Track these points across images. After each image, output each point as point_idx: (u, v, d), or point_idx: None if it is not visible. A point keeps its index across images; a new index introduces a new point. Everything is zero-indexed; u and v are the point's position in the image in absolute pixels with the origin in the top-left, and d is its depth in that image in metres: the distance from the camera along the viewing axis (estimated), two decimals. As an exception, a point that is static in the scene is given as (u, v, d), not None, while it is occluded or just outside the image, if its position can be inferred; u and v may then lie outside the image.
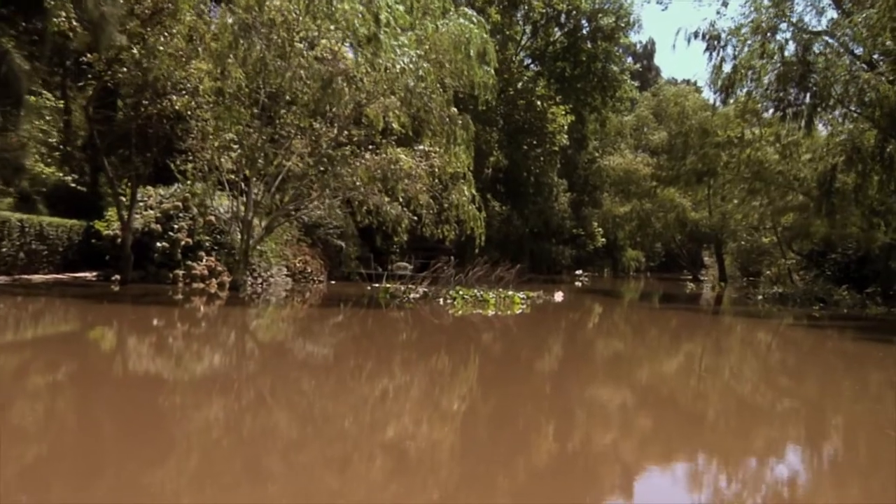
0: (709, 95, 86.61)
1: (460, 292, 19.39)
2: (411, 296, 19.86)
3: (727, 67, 22.28)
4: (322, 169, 18.85)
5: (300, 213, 21.85)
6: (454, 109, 18.63)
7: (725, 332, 17.24)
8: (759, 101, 33.14)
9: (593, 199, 55.25)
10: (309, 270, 25.85)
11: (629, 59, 49.41)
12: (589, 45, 41.05)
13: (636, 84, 48.03)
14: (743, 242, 45.41)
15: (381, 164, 18.48)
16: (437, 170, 20.01)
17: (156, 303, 16.63)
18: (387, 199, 19.84)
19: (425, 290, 21.37)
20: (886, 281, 25.60)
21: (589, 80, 41.49)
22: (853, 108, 20.61)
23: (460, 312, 18.28)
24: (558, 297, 23.42)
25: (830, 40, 21.17)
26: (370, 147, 20.24)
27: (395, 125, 19.69)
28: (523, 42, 42.75)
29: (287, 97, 18.73)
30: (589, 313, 21.80)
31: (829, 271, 35.61)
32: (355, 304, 19.48)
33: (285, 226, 25.95)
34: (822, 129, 24.57)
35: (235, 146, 18.67)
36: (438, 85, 18.35)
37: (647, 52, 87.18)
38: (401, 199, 20.40)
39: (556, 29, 41.94)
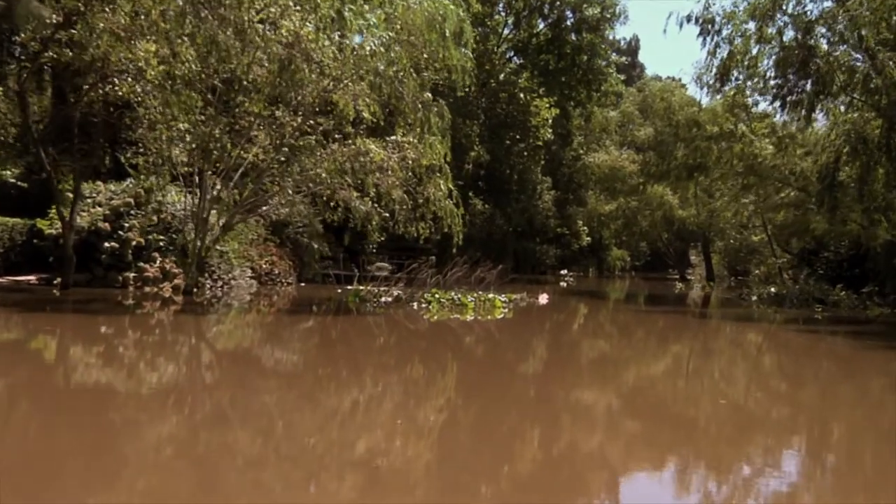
0: (695, 91, 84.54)
1: (436, 296, 17.77)
2: (383, 299, 18.23)
3: (722, 54, 20.82)
4: (283, 160, 17.16)
5: (264, 210, 20.11)
6: (428, 95, 17.03)
7: (730, 342, 15.65)
8: (753, 92, 31.76)
9: (578, 198, 53.78)
10: (276, 272, 24.13)
11: (614, 54, 47.96)
12: (573, 37, 39.61)
13: (622, 77, 46.67)
14: (732, 241, 44.05)
15: (349, 156, 16.79)
16: (410, 162, 18.39)
17: (98, 310, 14.93)
18: (356, 193, 18.18)
19: (399, 292, 19.78)
20: (888, 280, 24.28)
21: (574, 73, 40.04)
22: (857, 97, 19.21)
23: (436, 317, 16.71)
24: (543, 299, 21.88)
25: (824, 30, 19.78)
26: (339, 138, 18.58)
27: (365, 114, 18.06)
28: (505, 34, 41.24)
29: (245, 82, 17.02)
30: (575, 319, 20.29)
31: (821, 270, 34.38)
32: (322, 309, 17.86)
33: (251, 224, 24.24)
34: (820, 121, 23.19)
35: (188, 136, 16.93)
36: (411, 69, 16.77)
37: (632, 48, 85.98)
38: (372, 195, 18.77)
39: (539, 20, 40.44)
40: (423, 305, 17.48)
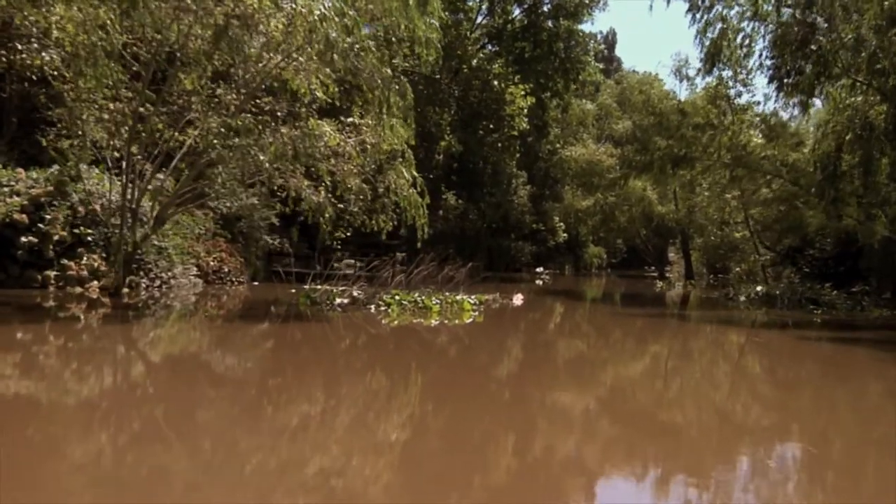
0: (674, 85, 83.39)
1: (396, 297, 15.76)
2: (337, 302, 16.20)
3: (711, 33, 19.04)
4: (222, 144, 15.01)
5: (203, 201, 17.95)
6: (388, 71, 15.01)
7: (739, 358, 13.74)
8: (747, 73, 30.16)
9: (554, 193, 52.20)
10: (226, 270, 21.98)
11: (592, 42, 46.12)
12: (550, 24, 37.74)
13: (600, 66, 45.00)
14: (713, 237, 42.59)
15: (297, 139, 14.67)
16: (369, 147, 16.38)
17: (11, 314, 12.81)
18: (307, 182, 16.11)
19: (359, 293, 17.78)
20: (885, 279, 22.75)
21: (550, 61, 38.17)
22: (861, 79, 17.53)
23: (396, 322, 14.73)
24: (517, 300, 19.98)
25: (826, 5, 18.05)
26: (287, 119, 16.49)
27: (318, 93, 16.01)
28: (479, 21, 39.27)
29: (179, 54, 14.89)
30: (552, 325, 18.40)
31: (806, 268, 33.00)
32: (268, 313, 15.78)
33: (199, 217, 22.08)
34: (815, 107, 21.49)
35: (106, 115, 14.75)
36: (370, 41, 14.77)
37: (609, 42, 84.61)
38: (327, 183, 16.72)
39: (514, 6, 38.49)
40: (382, 308, 15.48)
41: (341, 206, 16.60)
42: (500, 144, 34.35)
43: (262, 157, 13.99)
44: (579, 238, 57.54)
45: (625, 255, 70.96)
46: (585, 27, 43.06)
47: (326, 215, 16.00)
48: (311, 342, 12.18)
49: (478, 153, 35.77)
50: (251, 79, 16.03)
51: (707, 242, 47.08)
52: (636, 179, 27.05)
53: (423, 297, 15.83)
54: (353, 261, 30.96)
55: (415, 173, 16.66)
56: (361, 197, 16.39)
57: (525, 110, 32.33)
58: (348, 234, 32.43)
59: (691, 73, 43.76)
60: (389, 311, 15.24)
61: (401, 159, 16.85)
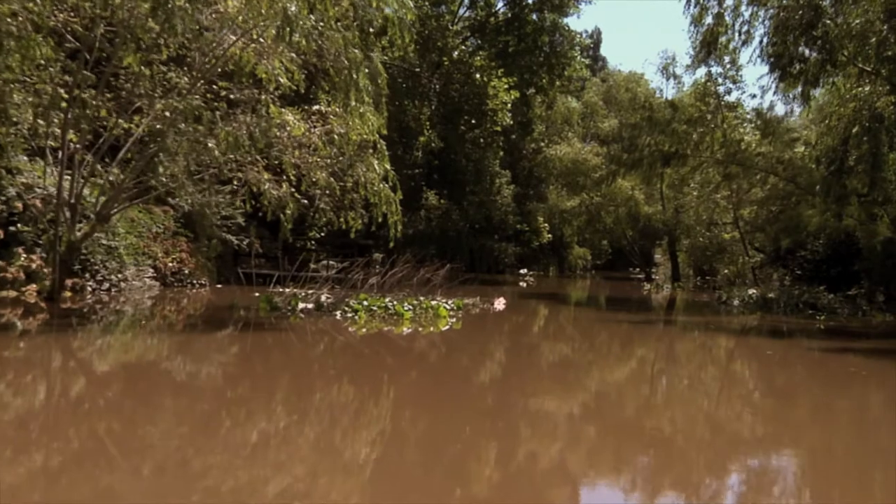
0: (660, 83, 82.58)
1: (365, 303, 14.26)
2: (301, 307, 14.69)
3: (707, 19, 17.72)
4: (170, 132, 13.45)
5: (151, 196, 16.37)
6: (357, 52, 13.54)
7: (753, 378, 12.16)
8: (747, 60, 29.09)
9: (539, 193, 50.87)
10: (186, 272, 20.38)
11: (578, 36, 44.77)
12: (535, 17, 36.37)
13: (586, 62, 43.76)
14: (701, 238, 41.41)
15: (253, 127, 13.13)
16: (337, 137, 14.89)
17: None
18: (267, 175, 14.58)
19: (330, 297, 16.31)
20: (889, 282, 21.54)
21: (535, 56, 36.79)
22: (869, 68, 16.26)
23: (364, 330, 13.27)
24: (499, 304, 18.57)
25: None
26: (246, 107, 14.95)
27: (282, 79, 14.48)
28: (461, 13, 37.83)
29: (122, 30, 13.31)
30: (536, 329, 17.03)
31: (798, 271, 31.88)
32: (223, 319, 14.24)
33: (157, 215, 20.50)
34: (817, 100, 20.17)
35: (45, 98, 13.16)
36: (335, 21, 13.33)
37: (594, 41, 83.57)
38: (291, 177, 15.21)
39: (497, -2, 37.11)
40: (349, 315, 13.99)
41: (306, 201, 15.08)
42: (482, 140, 32.88)
43: (211, 146, 12.43)
44: (564, 239, 56.26)
45: (610, 257, 69.74)
46: (572, 21, 41.99)
47: (288, 211, 14.46)
48: (262, 354, 10.70)
49: (459, 150, 34.31)
50: (207, 62, 14.53)
51: (694, 244, 45.94)
52: (624, 178, 25.68)
53: (396, 303, 14.36)
54: (331, 262, 29.54)
55: (387, 166, 15.20)
56: (328, 192, 14.88)
57: (508, 105, 30.92)
58: (322, 233, 31.00)
59: (679, 70, 42.67)
60: (357, 317, 13.75)
61: (372, 151, 15.41)
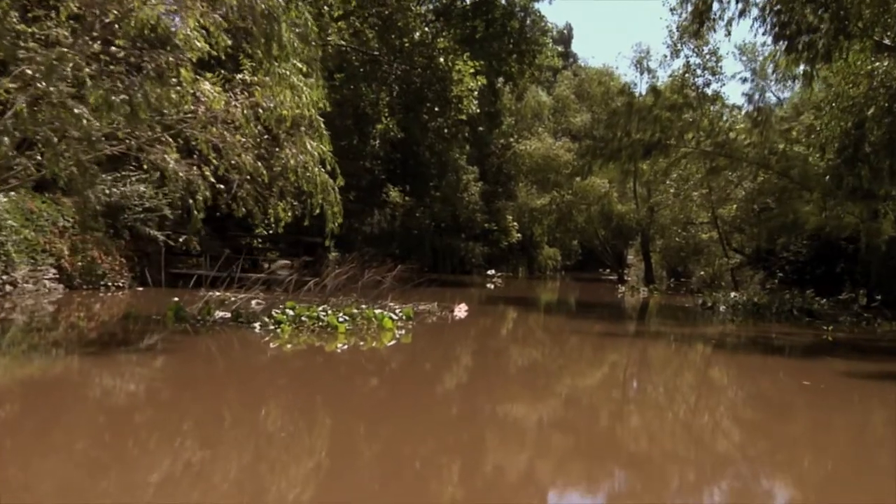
0: (633, 77, 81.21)
1: (288, 312, 11.63)
2: (219, 314, 12.08)
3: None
4: (56, 102, 10.74)
5: (31, 178, 13.56)
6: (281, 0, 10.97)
7: (786, 429, 9.63)
8: (712, 68, 27.52)
9: (507, 191, 48.70)
10: (99, 273, 17.58)
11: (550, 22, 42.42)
12: (504, 1, 33.91)
13: (559, 49, 41.57)
14: (678, 238, 39.42)
15: (135, 89, 10.46)
16: (261, 111, 12.29)
17: None
18: (175, 155, 11.88)
19: (260, 303, 13.76)
20: (893, 286, 19.53)
21: (504, 42, 34.28)
22: (889, 40, 14.08)
23: (289, 346, 10.75)
24: (460, 311, 16.12)
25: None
26: (153, 73, 12.24)
27: (198, 42, 11.83)
28: (425, -3, 35.22)
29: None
30: (501, 342, 14.60)
31: (780, 272, 30.00)
32: (116, 332, 11.57)
33: (66, 207, 17.69)
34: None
35: None
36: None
37: (565, 37, 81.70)
38: (213, 159, 12.54)
39: (465, -19, 34.53)
40: (271, 327, 11.39)
41: (222, 186, 12.41)
42: (446, 131, 30.34)
43: (79, 111, 9.74)
44: (534, 239, 54.06)
45: (580, 258, 67.78)
46: (543, 7, 39.76)
47: (199, 197, 11.78)
48: (132, 381, 8.12)
49: (422, 141, 31.68)
50: (101, 18, 11.83)
51: (669, 244, 44.01)
52: (601, 170, 23.41)
53: (331, 312, 11.79)
54: (287, 261, 26.91)
55: (326, 148, 12.64)
56: (248, 177, 12.26)
57: (475, 92, 28.48)
58: (270, 231, 28.23)
59: (654, 65, 40.70)
60: (280, 329, 11.16)
61: (307, 129, 12.85)
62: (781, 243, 28.68)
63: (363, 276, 15.56)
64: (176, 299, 12.69)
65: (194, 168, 11.86)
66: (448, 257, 42.63)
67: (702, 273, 40.77)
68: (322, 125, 12.62)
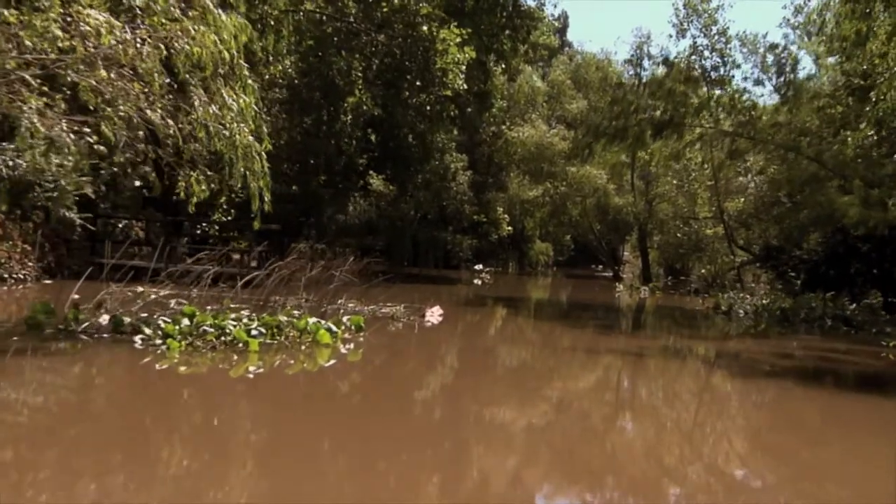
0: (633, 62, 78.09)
1: (185, 321, 8.52)
2: (103, 319, 8.98)
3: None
4: None
5: None
6: None
7: None
8: (720, 50, 24.65)
9: (498, 181, 45.74)
10: (-4, 261, 14.43)
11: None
12: (497, -30, 30.88)
13: (556, 25, 38.54)
14: (679, 234, 36.56)
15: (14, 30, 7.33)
16: (172, 52, 9.19)
17: None
18: (40, 102, 8.78)
19: (181, 302, 10.64)
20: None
21: (495, 17, 31.26)
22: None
23: (183, 368, 7.69)
24: (433, 316, 13.07)
25: None
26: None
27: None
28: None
29: None
30: (479, 371, 11.19)
31: (791, 272, 27.23)
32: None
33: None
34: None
35: None
36: None
37: (561, 25, 78.74)
38: (105, 110, 9.43)
39: (454, -52, 31.42)
40: (159, 338, 8.28)
41: (103, 148, 9.30)
42: (428, 108, 27.20)
43: None
44: (525, 233, 51.12)
45: (572, 253, 65.01)
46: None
47: (67, 162, 8.71)
48: None
49: (403, 120, 28.50)
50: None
51: (668, 240, 41.16)
52: (604, 150, 20.26)
53: (245, 321, 8.68)
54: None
55: (249, 100, 9.53)
56: (150, 136, 9.16)
57: (462, 66, 25.34)
58: (228, 217, 25.08)
59: (654, 50, 37.86)
60: (167, 344, 8.05)
61: (231, 78, 9.77)
62: (794, 241, 25.99)
63: (311, 270, 12.45)
64: (76, 296, 9.57)
65: (63, 122, 8.71)
66: (432, 250, 39.63)
67: (703, 271, 37.99)
68: (245, 71, 9.51)
